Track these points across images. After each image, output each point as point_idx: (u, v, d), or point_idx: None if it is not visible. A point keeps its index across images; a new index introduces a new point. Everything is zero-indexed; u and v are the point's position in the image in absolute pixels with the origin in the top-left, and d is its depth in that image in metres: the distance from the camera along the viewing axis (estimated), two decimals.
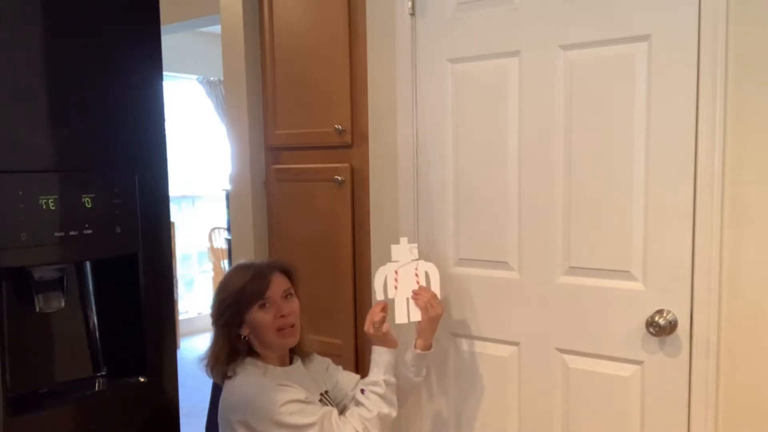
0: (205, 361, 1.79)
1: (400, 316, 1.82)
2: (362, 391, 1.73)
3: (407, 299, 1.82)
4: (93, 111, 1.71)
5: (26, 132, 1.60)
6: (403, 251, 1.83)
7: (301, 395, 1.65)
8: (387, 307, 1.80)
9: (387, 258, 1.99)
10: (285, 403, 1.60)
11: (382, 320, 1.76)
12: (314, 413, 1.62)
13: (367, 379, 1.76)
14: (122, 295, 1.85)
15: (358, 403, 1.72)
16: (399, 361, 1.81)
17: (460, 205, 1.97)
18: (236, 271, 1.80)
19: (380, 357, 1.77)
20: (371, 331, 1.77)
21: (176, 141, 6.17)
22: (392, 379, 1.75)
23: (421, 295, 1.80)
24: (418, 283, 1.82)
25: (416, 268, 1.83)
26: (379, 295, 1.83)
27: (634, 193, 1.68)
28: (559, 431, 1.86)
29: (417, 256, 1.83)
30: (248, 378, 1.70)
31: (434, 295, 1.81)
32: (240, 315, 1.73)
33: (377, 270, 1.86)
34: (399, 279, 1.82)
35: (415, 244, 1.84)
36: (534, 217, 1.84)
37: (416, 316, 1.80)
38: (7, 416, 1.58)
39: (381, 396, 1.71)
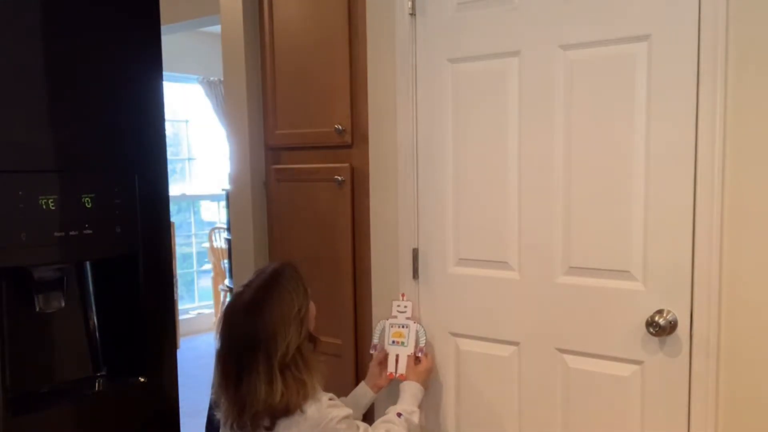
0: (301, 400, 1.59)
1: (390, 367, 1.99)
2: (399, 414, 1.79)
3: (396, 355, 1.98)
4: (93, 111, 1.71)
5: (26, 132, 1.60)
6: (401, 308, 2.02)
7: (349, 411, 1.67)
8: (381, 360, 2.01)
9: (387, 258, 2.10)
10: (340, 420, 1.62)
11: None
12: (357, 429, 1.66)
13: (405, 406, 1.83)
14: (122, 295, 1.85)
15: (389, 422, 1.77)
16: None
17: (460, 205, 1.97)
18: (281, 285, 1.68)
19: (417, 391, 1.90)
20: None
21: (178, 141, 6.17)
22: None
23: (426, 362, 1.99)
24: (405, 344, 2.00)
25: (407, 327, 2.00)
26: (375, 339, 2.04)
27: (634, 193, 1.68)
28: (559, 431, 1.86)
29: (410, 314, 2.01)
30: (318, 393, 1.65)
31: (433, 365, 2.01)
32: (306, 324, 1.69)
33: (378, 322, 2.05)
34: (393, 335, 2.01)
35: (410, 302, 2.02)
36: (534, 217, 1.84)
37: (402, 369, 1.97)
38: (7, 416, 1.58)
39: (413, 425, 1.80)
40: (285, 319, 1.62)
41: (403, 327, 2.00)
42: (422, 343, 1.99)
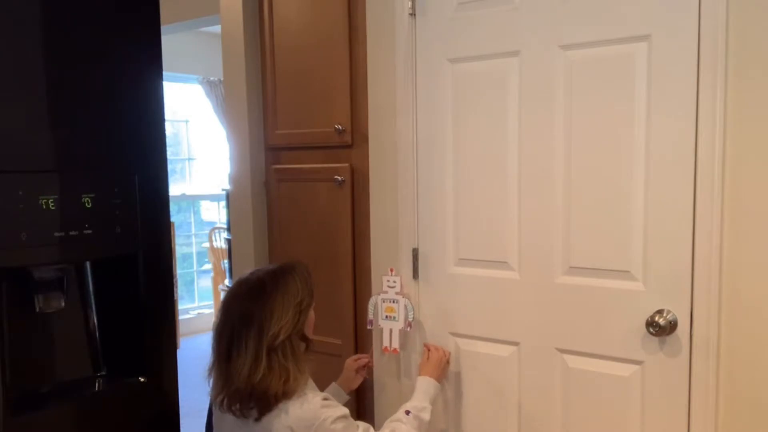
0: (281, 389, 1.58)
1: (384, 342, 2.05)
2: (407, 412, 1.76)
3: (390, 330, 2.03)
4: (93, 111, 1.71)
5: (26, 132, 1.60)
6: (391, 283, 2.05)
7: (345, 410, 1.65)
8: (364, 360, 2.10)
9: (387, 258, 2.11)
10: (335, 419, 1.60)
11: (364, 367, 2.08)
12: (357, 428, 1.64)
13: (414, 403, 1.80)
14: (122, 295, 1.85)
15: (396, 420, 1.75)
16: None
17: (460, 205, 1.97)
18: (290, 275, 1.70)
19: (427, 386, 1.87)
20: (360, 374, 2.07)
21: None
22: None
23: (434, 352, 1.97)
24: (396, 319, 2.05)
25: (397, 302, 2.03)
26: (370, 315, 2.09)
27: (634, 193, 1.68)
28: (559, 431, 1.86)
29: (399, 289, 2.03)
30: (309, 394, 1.64)
31: (441, 354, 1.97)
32: (304, 320, 1.69)
33: (370, 299, 2.10)
34: (385, 310, 2.05)
35: (399, 277, 2.05)
36: (534, 217, 1.84)
37: (396, 344, 2.02)
38: (7, 416, 1.58)
39: (424, 423, 1.77)
40: (285, 303, 1.64)
41: (393, 302, 2.04)
42: (410, 318, 2.01)
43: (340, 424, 1.61)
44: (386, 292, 2.05)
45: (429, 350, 1.98)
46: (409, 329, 2.01)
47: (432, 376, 1.90)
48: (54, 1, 1.64)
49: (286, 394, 1.59)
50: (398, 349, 2.02)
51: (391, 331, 2.03)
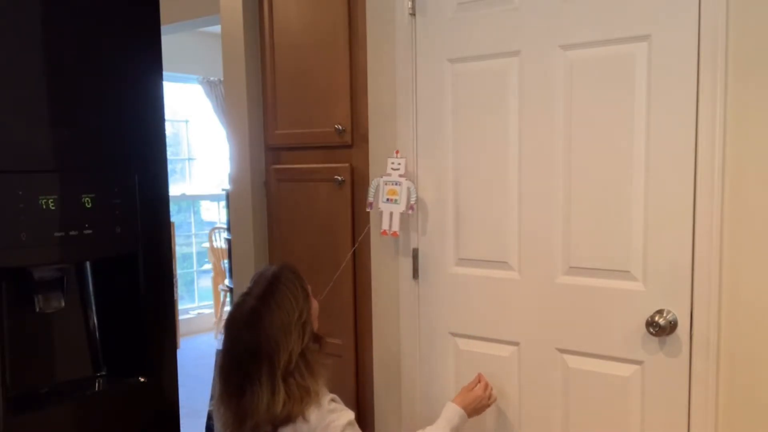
0: (302, 408, 1.56)
1: (383, 225, 2.01)
2: None
3: (390, 213, 1.99)
4: (93, 111, 1.71)
5: (26, 132, 1.60)
6: (395, 165, 1.99)
7: (351, 415, 1.61)
8: None
9: (387, 259, 2.11)
10: (343, 428, 1.57)
11: None
12: None
13: (434, 428, 1.74)
14: (122, 295, 1.85)
15: None
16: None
17: (460, 205, 1.97)
18: (278, 292, 1.64)
19: (452, 414, 1.78)
20: None
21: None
22: None
23: (478, 389, 1.85)
24: (398, 202, 2.00)
25: (400, 184, 1.99)
26: (370, 197, 2.06)
27: (634, 193, 1.68)
28: (559, 431, 1.86)
29: (403, 171, 1.99)
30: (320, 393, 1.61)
31: (486, 395, 1.86)
32: (309, 325, 1.65)
33: (372, 180, 2.06)
34: (387, 192, 2.00)
35: (404, 159, 2.00)
36: (534, 217, 1.84)
37: (396, 227, 1.98)
38: (7, 416, 1.58)
39: None
40: (286, 328, 1.59)
41: (396, 184, 1.99)
42: (413, 200, 1.97)
43: (350, 430, 1.58)
44: (389, 175, 2.00)
45: (479, 382, 1.87)
46: (411, 212, 1.97)
47: (464, 408, 1.80)
48: (54, 1, 1.64)
49: (307, 408, 1.57)
50: (398, 232, 1.97)
51: (391, 214, 1.98)
